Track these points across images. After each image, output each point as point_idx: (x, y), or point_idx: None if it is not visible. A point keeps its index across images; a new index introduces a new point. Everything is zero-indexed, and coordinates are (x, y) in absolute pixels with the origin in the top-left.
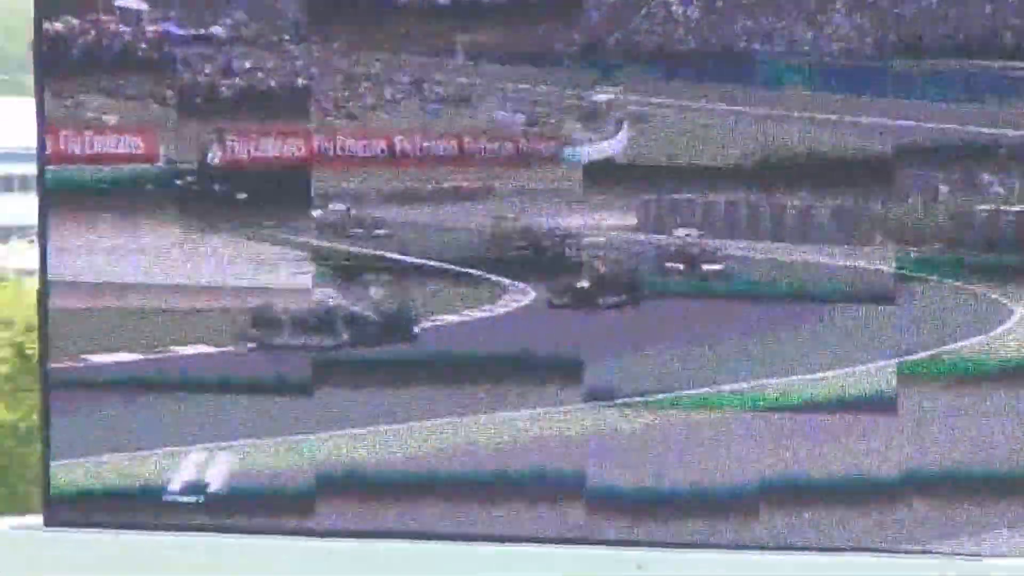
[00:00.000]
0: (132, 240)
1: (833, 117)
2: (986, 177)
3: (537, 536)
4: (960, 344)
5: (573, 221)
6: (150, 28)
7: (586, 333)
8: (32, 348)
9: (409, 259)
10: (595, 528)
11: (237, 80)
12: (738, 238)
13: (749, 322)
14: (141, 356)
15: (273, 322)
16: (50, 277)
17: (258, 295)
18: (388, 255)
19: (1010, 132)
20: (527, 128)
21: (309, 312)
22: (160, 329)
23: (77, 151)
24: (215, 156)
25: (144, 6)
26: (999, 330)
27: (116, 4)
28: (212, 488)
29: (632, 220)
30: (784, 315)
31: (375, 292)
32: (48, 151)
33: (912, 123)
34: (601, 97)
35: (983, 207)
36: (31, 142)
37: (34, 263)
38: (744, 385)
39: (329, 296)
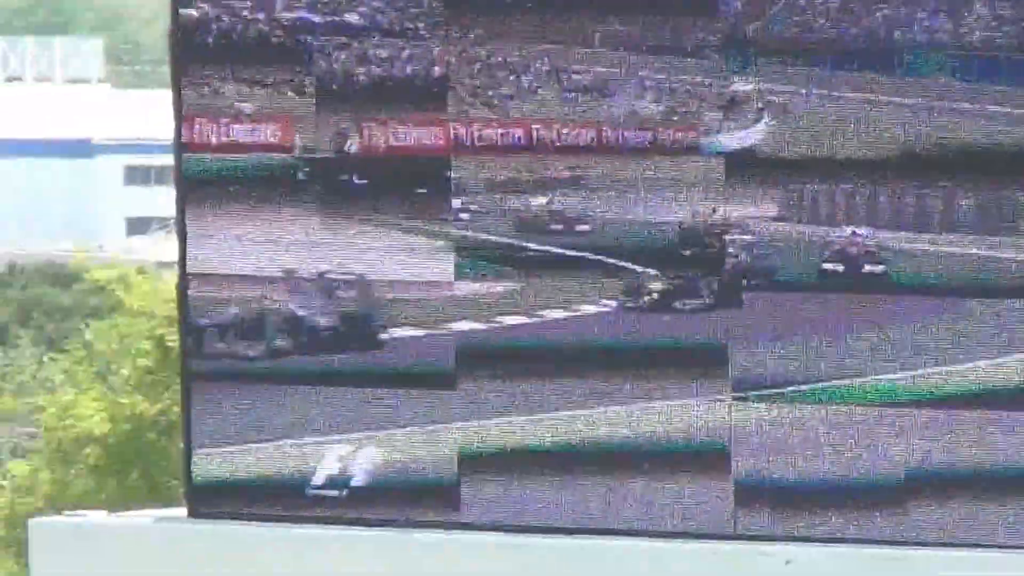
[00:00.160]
0: (269, 230)
1: (976, 107)
2: None
3: (682, 531)
4: None
5: (714, 212)
6: (286, 15)
7: (730, 324)
8: (172, 341)
9: (553, 249)
10: (742, 522)
11: (374, 68)
12: (883, 229)
13: (894, 314)
14: (281, 346)
15: None
16: (189, 268)
17: (396, 286)
18: (528, 245)
19: None
20: (666, 117)
21: None
22: (305, 325)
23: (213, 140)
24: (352, 145)
25: None
26: None
27: None
28: (355, 480)
29: (774, 211)
30: (932, 307)
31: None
32: (184, 141)
33: None
34: (741, 87)
35: None
36: (167, 133)
37: (173, 255)
38: (892, 377)
39: (472, 287)
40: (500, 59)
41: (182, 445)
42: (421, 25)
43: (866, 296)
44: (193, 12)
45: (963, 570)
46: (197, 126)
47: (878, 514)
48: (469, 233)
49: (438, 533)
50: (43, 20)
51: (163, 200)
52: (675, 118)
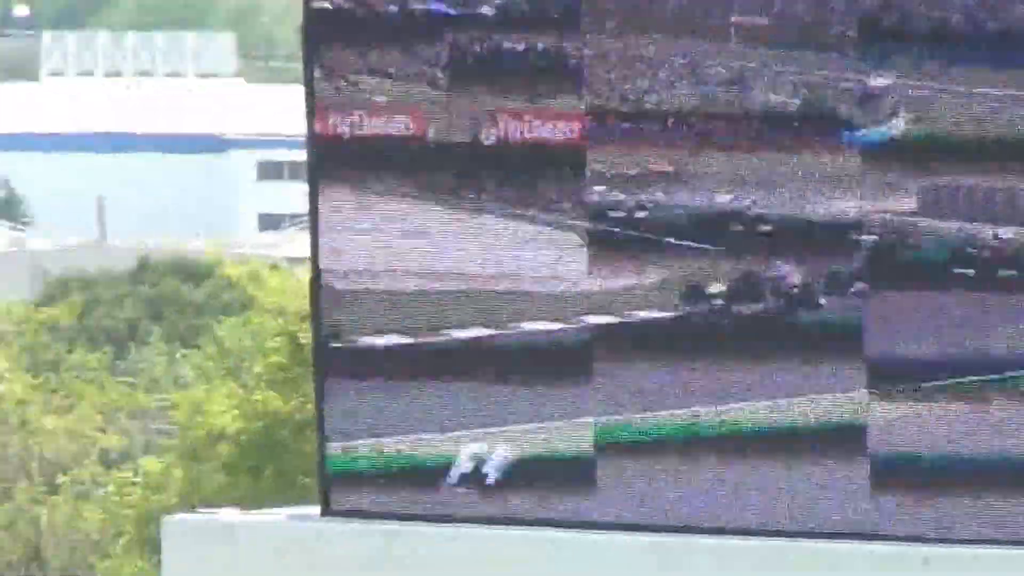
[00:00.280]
0: (403, 223)
1: None
2: None
3: (819, 531)
4: None
5: (851, 206)
6: (418, 6)
7: (871, 318)
8: (304, 338)
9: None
10: (880, 522)
11: (509, 60)
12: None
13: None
14: (415, 340)
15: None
16: (321, 263)
17: (530, 278)
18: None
19: None
20: (803, 112)
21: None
22: (434, 312)
23: (347, 133)
24: (488, 137)
25: None
26: None
27: None
28: (491, 477)
29: (911, 206)
30: None
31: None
32: (317, 134)
33: None
34: (878, 81)
35: None
36: (300, 128)
37: (305, 251)
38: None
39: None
40: (636, 52)
41: (316, 442)
42: (556, 16)
43: (1008, 295)
44: (326, 5)
45: None
46: (330, 119)
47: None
48: (602, 225)
49: (574, 531)
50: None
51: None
52: (811, 112)
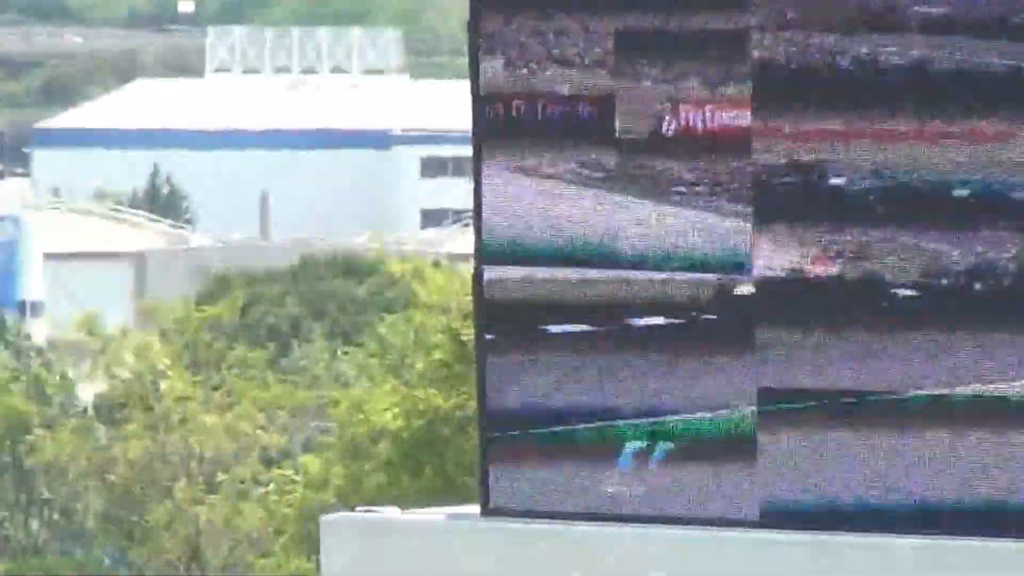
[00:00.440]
0: (567, 217)
1: None
2: None
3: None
4: None
5: None
6: None
7: None
8: (467, 335)
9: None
10: None
11: (685, 50)
12: None
13: None
14: (581, 333)
15: None
16: (484, 258)
17: (702, 267)
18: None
19: None
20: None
21: None
22: (606, 304)
23: (515, 128)
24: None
25: None
26: None
27: None
28: (656, 476)
29: None
30: None
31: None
32: (484, 129)
33: None
34: None
35: None
36: (465, 124)
37: (468, 247)
38: None
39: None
40: (815, 41)
41: (477, 439)
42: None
43: None
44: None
45: None
46: (497, 114)
47: None
48: (772, 215)
49: (740, 531)
50: (340, 10)
51: (458, 192)
52: (992, 102)
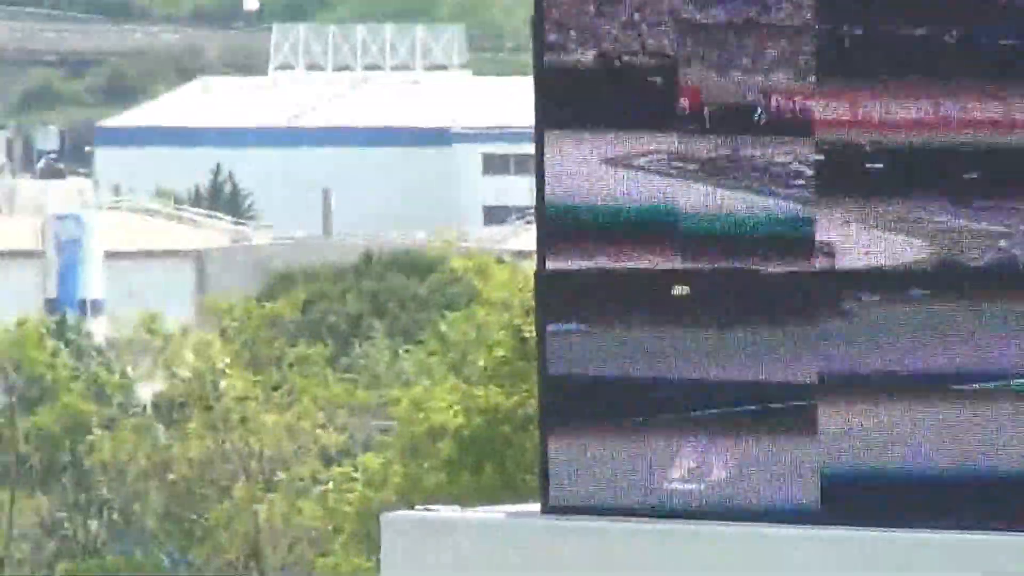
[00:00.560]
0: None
1: None
2: None
3: None
4: None
5: None
6: None
7: None
8: (529, 332)
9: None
10: None
11: (751, 37)
12: None
13: None
14: (644, 333)
15: None
16: (547, 256)
17: (769, 253)
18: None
19: None
20: None
21: None
22: (668, 297)
23: (578, 116)
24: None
25: None
26: None
27: None
28: (715, 473)
29: None
30: None
31: None
32: (547, 117)
33: None
34: None
35: None
36: (527, 120)
37: (530, 244)
38: None
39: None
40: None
41: (538, 438)
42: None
43: None
44: None
45: None
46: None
47: None
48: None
49: (800, 528)
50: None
51: (520, 189)
52: None
